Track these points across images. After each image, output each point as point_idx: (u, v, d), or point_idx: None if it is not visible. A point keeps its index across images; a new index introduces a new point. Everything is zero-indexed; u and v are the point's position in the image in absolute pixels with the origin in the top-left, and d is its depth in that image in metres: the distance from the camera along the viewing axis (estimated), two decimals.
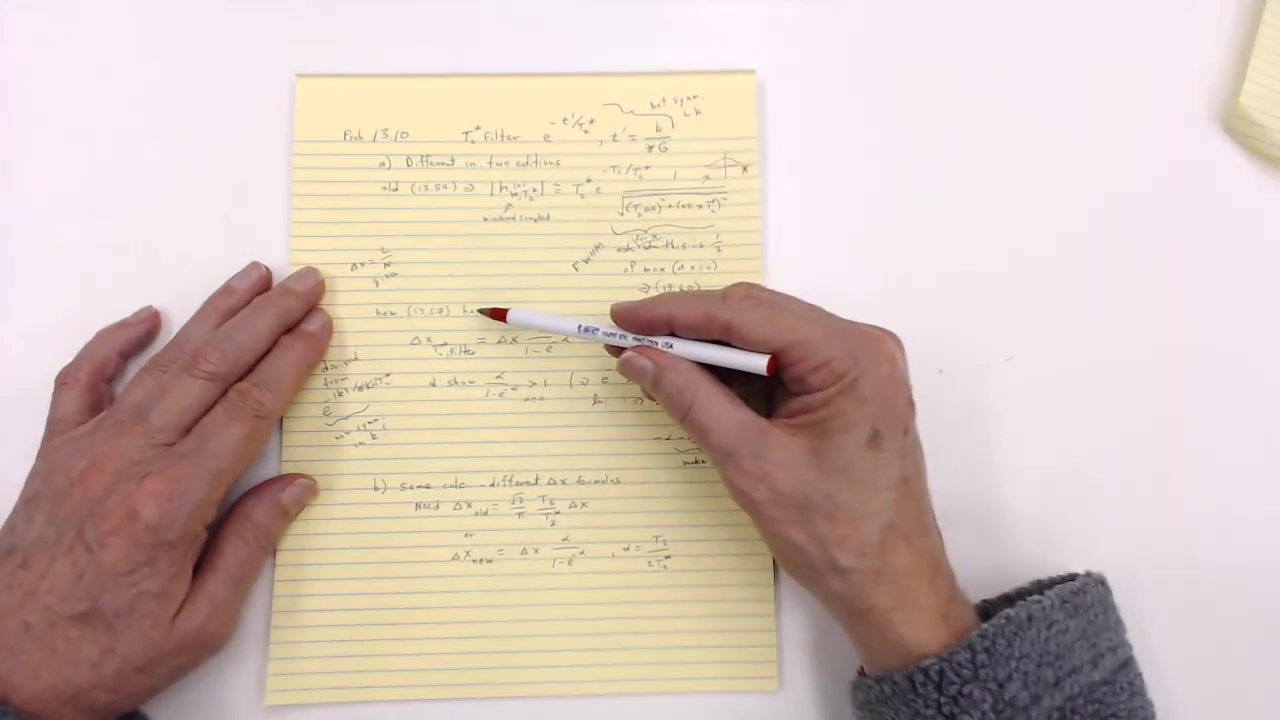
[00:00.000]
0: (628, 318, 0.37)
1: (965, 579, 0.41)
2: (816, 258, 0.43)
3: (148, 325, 0.40)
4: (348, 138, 0.42)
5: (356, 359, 0.41)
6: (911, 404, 0.35)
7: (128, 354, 0.40)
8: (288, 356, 0.39)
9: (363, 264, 0.42)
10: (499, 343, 0.41)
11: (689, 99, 0.43)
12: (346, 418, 0.40)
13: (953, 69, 0.45)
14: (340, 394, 0.41)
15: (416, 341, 0.41)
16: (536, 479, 0.40)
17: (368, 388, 0.41)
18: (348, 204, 0.42)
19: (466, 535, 0.40)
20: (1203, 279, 0.43)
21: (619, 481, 0.41)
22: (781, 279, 0.42)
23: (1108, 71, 0.45)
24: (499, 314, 0.39)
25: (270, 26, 0.44)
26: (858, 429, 0.33)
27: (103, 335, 0.40)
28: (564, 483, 0.40)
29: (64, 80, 0.43)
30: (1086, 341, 0.42)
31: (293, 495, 0.39)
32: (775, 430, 0.34)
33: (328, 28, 0.44)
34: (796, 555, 0.34)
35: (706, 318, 0.35)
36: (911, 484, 0.34)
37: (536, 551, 0.40)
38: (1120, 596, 0.36)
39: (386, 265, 0.42)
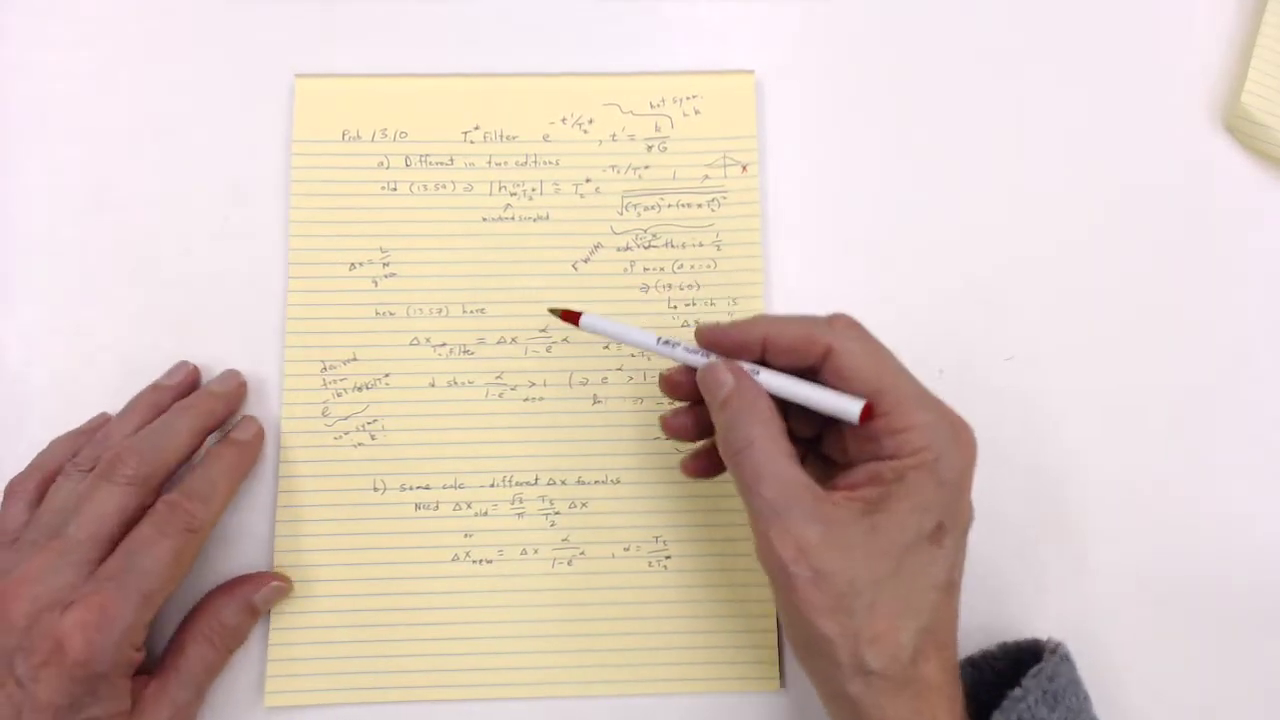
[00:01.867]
0: (715, 339, 0.34)
1: (963, 583, 0.41)
2: (816, 257, 0.43)
3: None
4: (346, 138, 0.42)
5: (355, 359, 0.41)
6: (972, 504, 0.32)
7: None
8: (219, 466, 0.38)
9: (361, 264, 0.41)
10: (498, 343, 0.41)
11: (688, 99, 0.43)
12: (345, 418, 0.40)
13: (952, 69, 0.44)
14: (339, 394, 0.41)
15: (416, 342, 0.41)
16: (536, 479, 0.40)
17: (367, 388, 0.41)
18: (346, 204, 0.42)
19: (466, 536, 0.40)
20: (1204, 279, 0.43)
21: (619, 482, 0.41)
22: (782, 278, 0.42)
23: (1108, 71, 0.45)
24: (571, 316, 0.37)
25: (269, 26, 0.44)
26: (926, 515, 0.30)
27: (57, 443, 0.39)
28: (564, 483, 0.40)
29: (64, 80, 0.43)
30: (1087, 341, 0.42)
31: (265, 597, 0.38)
32: (829, 504, 0.30)
33: (327, 28, 0.44)
34: (820, 645, 0.30)
35: (807, 338, 0.32)
36: (955, 590, 0.31)
37: (536, 552, 0.40)
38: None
39: (385, 265, 0.42)
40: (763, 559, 0.31)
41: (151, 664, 0.37)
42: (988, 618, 0.40)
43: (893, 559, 0.30)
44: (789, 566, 0.30)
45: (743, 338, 0.33)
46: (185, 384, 0.40)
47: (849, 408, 0.31)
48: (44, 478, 0.38)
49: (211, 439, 0.39)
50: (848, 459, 0.33)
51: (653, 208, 0.43)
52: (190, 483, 0.37)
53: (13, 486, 0.38)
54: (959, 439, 0.31)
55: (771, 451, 0.31)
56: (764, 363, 0.33)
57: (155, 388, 0.40)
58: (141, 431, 0.37)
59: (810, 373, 0.33)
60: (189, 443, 0.38)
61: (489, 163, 0.43)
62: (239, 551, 0.39)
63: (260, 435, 0.40)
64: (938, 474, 0.30)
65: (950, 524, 0.31)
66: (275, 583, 0.38)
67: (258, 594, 0.37)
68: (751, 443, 0.31)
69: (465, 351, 0.41)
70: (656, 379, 0.41)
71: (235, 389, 0.40)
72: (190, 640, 0.36)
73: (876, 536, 0.30)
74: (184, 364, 0.40)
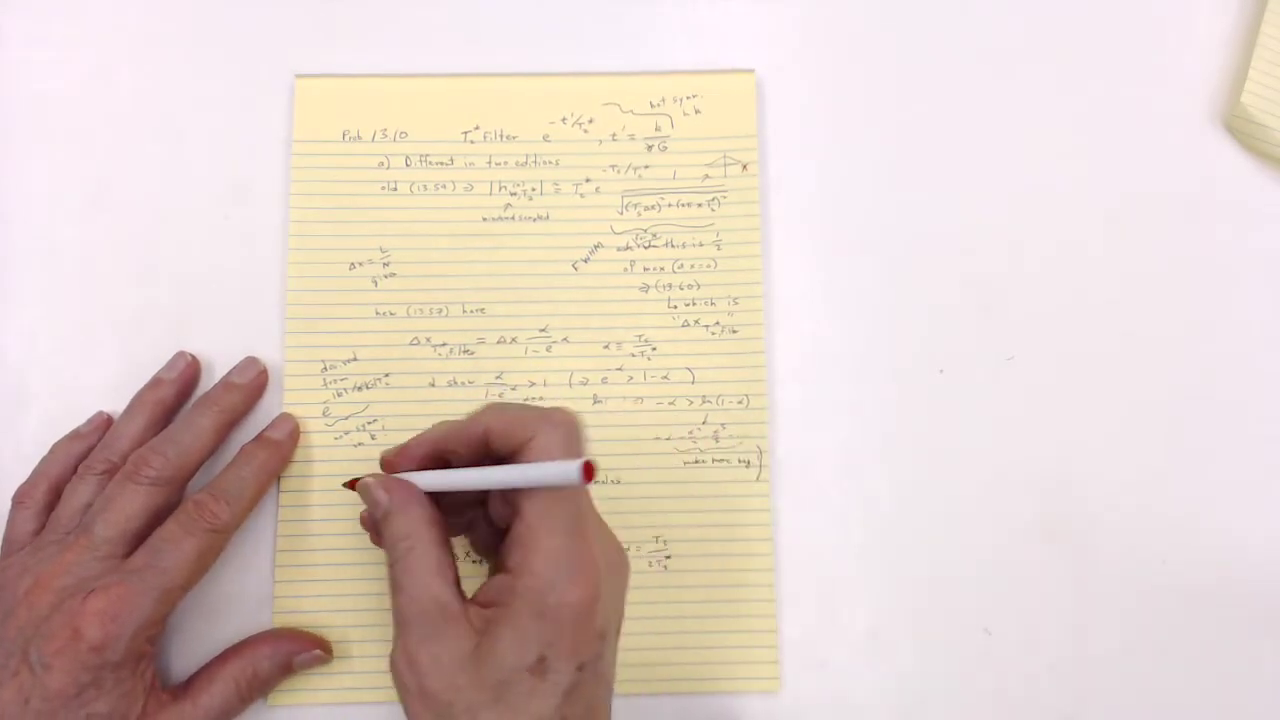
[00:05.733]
0: (394, 461, 0.35)
1: (964, 582, 0.41)
2: (816, 256, 0.43)
3: (102, 433, 0.39)
4: (347, 138, 0.42)
5: (356, 359, 0.41)
6: (602, 636, 0.31)
7: None
8: (250, 466, 0.38)
9: (361, 264, 0.41)
10: (498, 343, 0.41)
11: (688, 98, 0.43)
12: (346, 418, 0.40)
13: (953, 68, 0.44)
14: (339, 394, 0.41)
15: (416, 342, 0.41)
16: None
17: (367, 388, 0.41)
18: (346, 204, 0.42)
19: None
20: (1204, 279, 0.43)
21: (619, 481, 0.41)
22: (782, 278, 0.42)
23: (1108, 71, 0.45)
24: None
25: (269, 27, 0.44)
26: (525, 647, 0.30)
27: (58, 448, 0.39)
28: None
29: (64, 80, 0.43)
30: (1087, 341, 0.42)
31: (304, 661, 0.37)
32: (458, 620, 0.31)
33: (327, 28, 0.44)
34: None
35: (524, 428, 0.32)
36: None
37: None
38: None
39: (385, 265, 0.42)
40: (390, 663, 0.32)
41: (167, 678, 0.38)
42: (988, 618, 0.40)
43: (490, 689, 0.30)
44: (401, 676, 0.31)
45: (418, 453, 0.34)
46: (186, 377, 0.40)
47: (564, 472, 0.29)
48: (50, 485, 0.38)
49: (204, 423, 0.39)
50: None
51: (653, 207, 0.43)
52: (220, 482, 0.37)
53: (20, 495, 0.38)
54: (581, 574, 0.30)
55: (414, 567, 0.32)
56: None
57: (156, 383, 0.40)
58: (165, 431, 0.38)
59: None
60: (212, 440, 0.38)
61: (489, 162, 0.43)
62: (240, 552, 0.39)
63: (295, 434, 0.40)
64: (542, 604, 0.30)
65: (555, 658, 0.30)
66: (318, 651, 0.38)
67: (299, 656, 0.37)
68: (401, 558, 0.32)
69: (465, 351, 0.41)
70: (658, 379, 0.41)
71: (255, 379, 0.40)
72: (220, 677, 0.36)
73: (479, 663, 0.30)
74: (182, 355, 0.40)
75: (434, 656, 0.30)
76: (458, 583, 0.32)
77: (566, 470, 0.29)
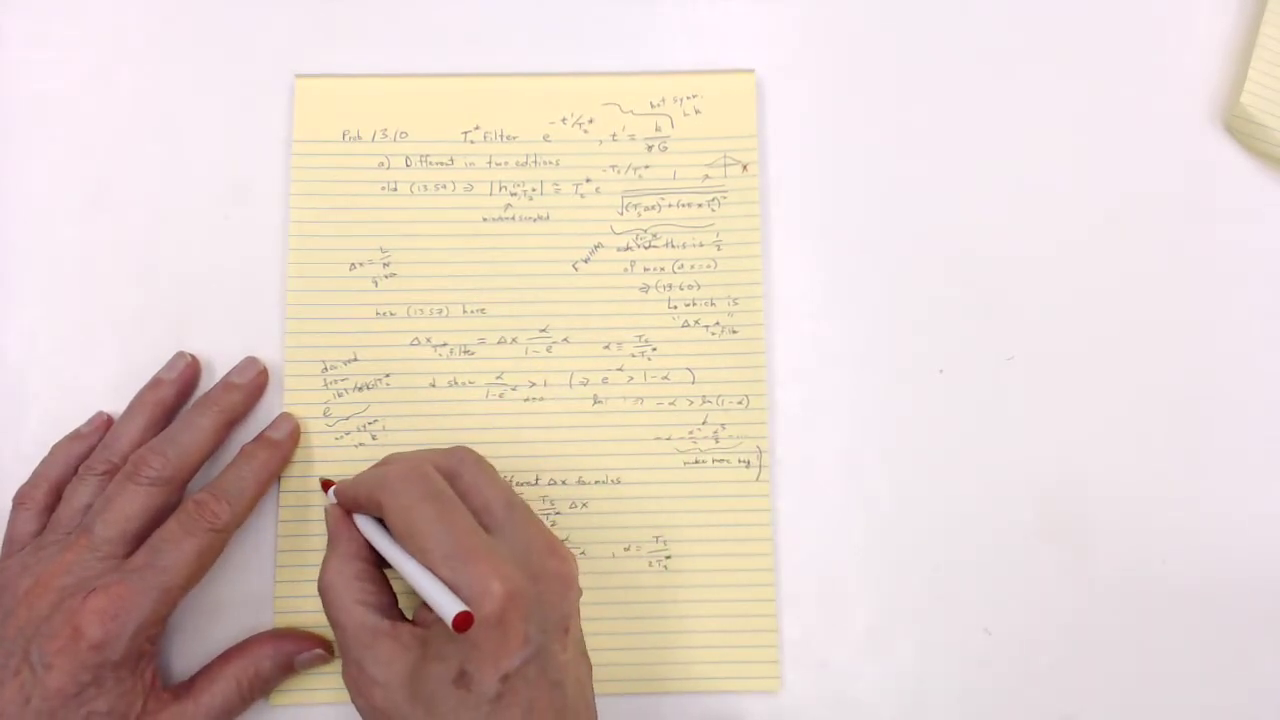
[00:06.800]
0: (340, 495, 0.36)
1: (964, 582, 0.41)
2: (816, 256, 0.43)
3: (102, 433, 0.39)
4: (347, 138, 0.42)
5: (356, 360, 0.41)
6: (527, 643, 0.32)
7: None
8: (250, 466, 0.38)
9: (361, 264, 0.42)
10: (499, 343, 0.41)
11: (688, 98, 0.43)
12: (346, 418, 0.40)
13: (953, 69, 0.44)
14: (340, 394, 0.41)
15: (416, 342, 0.41)
16: (536, 479, 0.40)
17: (367, 388, 0.41)
18: (347, 204, 0.42)
19: None
20: (1203, 279, 0.43)
21: (619, 481, 0.41)
22: (782, 278, 0.42)
23: (1108, 71, 0.45)
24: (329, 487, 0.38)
25: (270, 27, 0.44)
26: (445, 663, 0.31)
27: (57, 449, 0.39)
28: (564, 483, 0.40)
29: (64, 80, 0.43)
30: (1087, 341, 0.42)
31: (305, 661, 0.37)
32: (386, 640, 0.33)
33: (327, 28, 0.44)
34: None
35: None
36: None
37: None
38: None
39: (385, 265, 0.42)
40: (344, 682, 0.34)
41: (168, 678, 0.38)
42: (988, 618, 0.40)
43: (423, 703, 0.31)
44: (353, 699, 0.33)
45: (353, 496, 0.35)
46: (185, 377, 0.40)
47: (446, 608, 0.31)
48: (51, 486, 0.38)
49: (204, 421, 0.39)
50: None
51: (653, 207, 0.43)
52: (220, 482, 0.37)
53: (20, 496, 0.38)
54: (479, 592, 0.31)
55: (341, 599, 0.34)
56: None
57: (156, 383, 0.40)
58: (165, 431, 0.38)
59: None
60: (212, 440, 0.38)
61: (489, 163, 0.43)
62: (241, 552, 0.39)
63: (295, 434, 0.40)
64: (449, 626, 0.31)
65: (476, 670, 0.31)
66: (319, 650, 0.38)
67: (300, 655, 0.37)
68: (325, 589, 0.34)
69: (465, 352, 0.41)
70: (658, 379, 0.41)
71: (255, 379, 0.40)
72: (222, 677, 0.36)
73: (414, 680, 0.32)
74: (182, 355, 0.40)
75: (371, 677, 0.32)
76: (387, 607, 0.34)
77: (445, 610, 0.31)
